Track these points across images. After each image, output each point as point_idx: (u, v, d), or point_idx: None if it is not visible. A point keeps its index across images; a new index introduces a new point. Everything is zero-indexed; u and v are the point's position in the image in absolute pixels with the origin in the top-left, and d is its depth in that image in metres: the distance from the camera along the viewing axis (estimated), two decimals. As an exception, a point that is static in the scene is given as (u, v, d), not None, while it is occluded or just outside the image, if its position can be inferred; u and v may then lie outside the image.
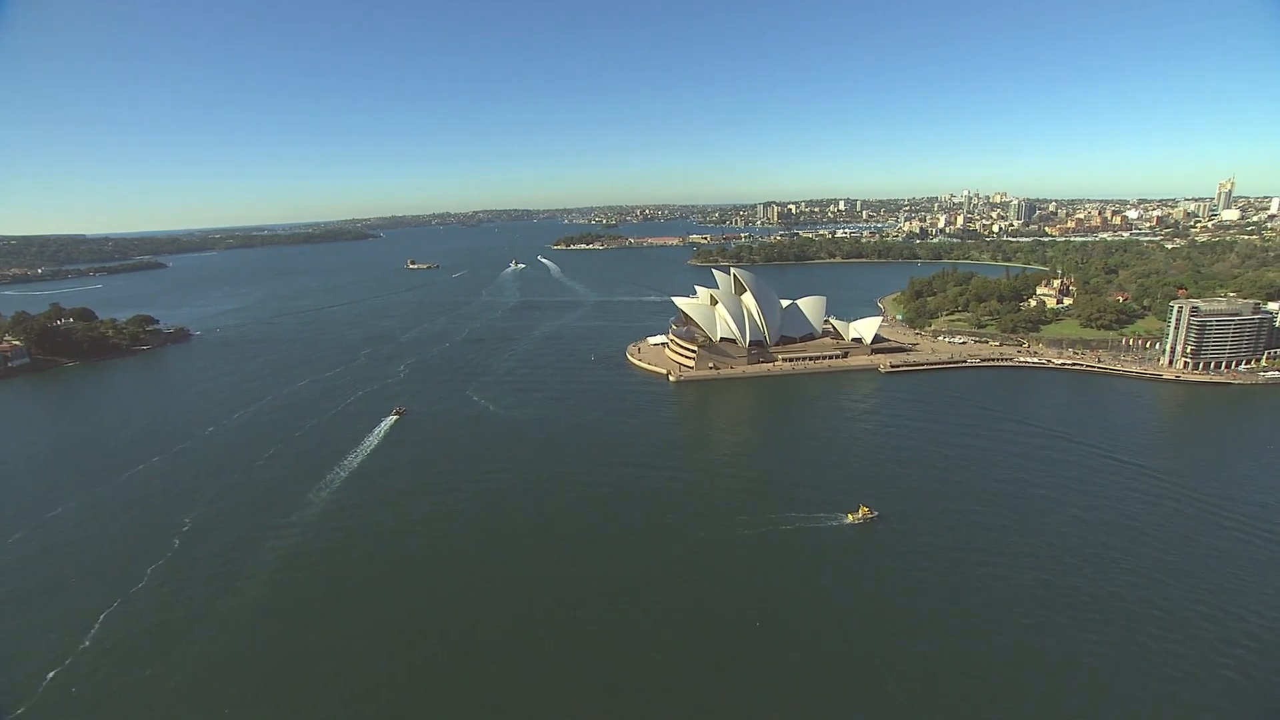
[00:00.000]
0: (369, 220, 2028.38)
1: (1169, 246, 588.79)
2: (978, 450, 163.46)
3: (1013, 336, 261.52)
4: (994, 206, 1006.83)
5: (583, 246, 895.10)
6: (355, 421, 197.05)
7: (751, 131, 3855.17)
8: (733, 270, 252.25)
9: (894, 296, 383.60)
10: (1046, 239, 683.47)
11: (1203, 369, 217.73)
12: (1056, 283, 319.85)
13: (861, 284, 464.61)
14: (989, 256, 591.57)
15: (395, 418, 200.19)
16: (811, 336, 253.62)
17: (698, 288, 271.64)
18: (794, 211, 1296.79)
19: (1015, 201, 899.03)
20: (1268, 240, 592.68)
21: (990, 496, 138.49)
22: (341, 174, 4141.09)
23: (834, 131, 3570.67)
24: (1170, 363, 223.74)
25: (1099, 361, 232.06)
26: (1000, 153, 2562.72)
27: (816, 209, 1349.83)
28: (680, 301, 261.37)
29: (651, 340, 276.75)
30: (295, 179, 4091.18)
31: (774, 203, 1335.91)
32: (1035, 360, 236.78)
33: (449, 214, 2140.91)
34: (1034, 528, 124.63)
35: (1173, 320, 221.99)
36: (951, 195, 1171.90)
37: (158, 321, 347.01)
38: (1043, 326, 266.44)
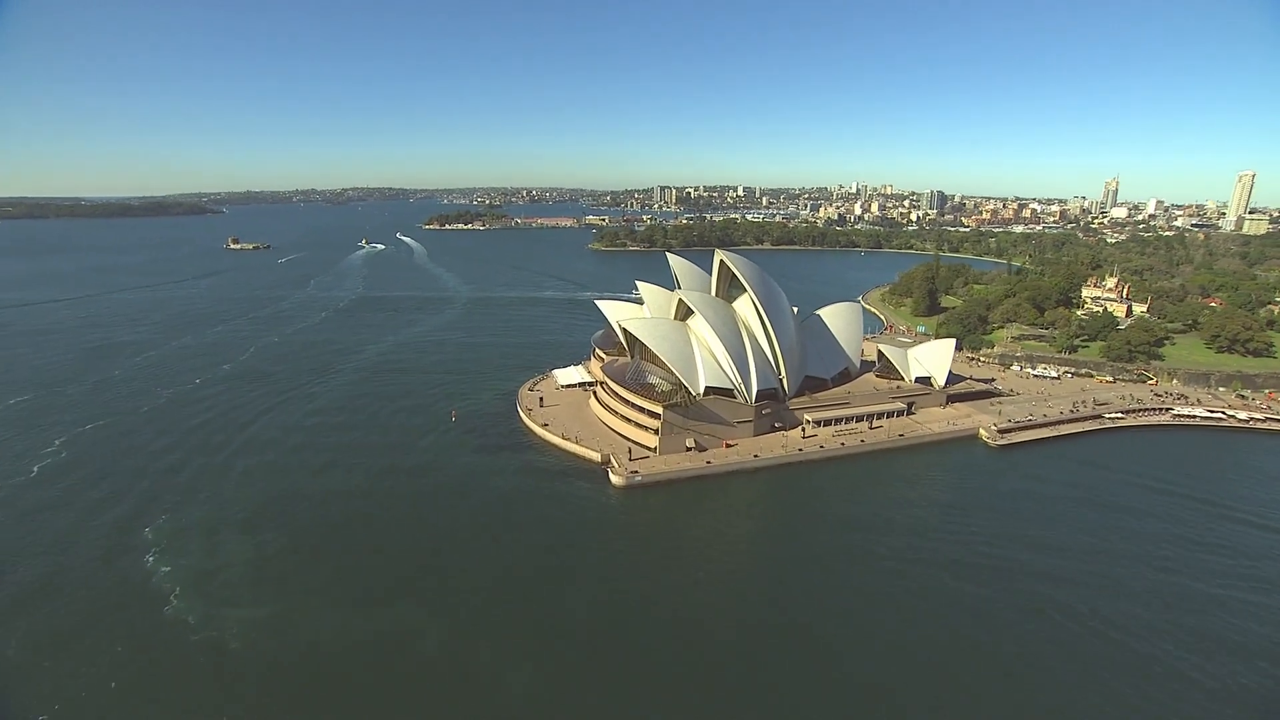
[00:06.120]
0: (216, 195, 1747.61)
1: (1111, 241, 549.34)
2: None
3: (1128, 367, 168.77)
4: (889, 198, 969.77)
5: (460, 226, 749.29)
6: None
7: (640, 118, 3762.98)
8: (720, 255, 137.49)
9: (880, 292, 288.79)
10: (985, 229, 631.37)
11: None
12: (1110, 281, 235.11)
13: (818, 275, 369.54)
14: (932, 246, 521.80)
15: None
16: (848, 375, 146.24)
17: (643, 286, 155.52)
18: (693, 195, 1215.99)
19: (928, 192, 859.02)
20: (1193, 235, 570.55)
21: None
22: (185, 144, 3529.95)
23: (721, 123, 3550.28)
24: None
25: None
26: (880, 149, 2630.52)
27: (715, 194, 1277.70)
28: (618, 315, 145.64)
29: (562, 377, 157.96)
30: (126, 146, 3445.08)
31: (670, 186, 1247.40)
32: (1204, 413, 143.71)
33: (314, 191, 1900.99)
34: None
35: None
36: (841, 186, 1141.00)
37: None
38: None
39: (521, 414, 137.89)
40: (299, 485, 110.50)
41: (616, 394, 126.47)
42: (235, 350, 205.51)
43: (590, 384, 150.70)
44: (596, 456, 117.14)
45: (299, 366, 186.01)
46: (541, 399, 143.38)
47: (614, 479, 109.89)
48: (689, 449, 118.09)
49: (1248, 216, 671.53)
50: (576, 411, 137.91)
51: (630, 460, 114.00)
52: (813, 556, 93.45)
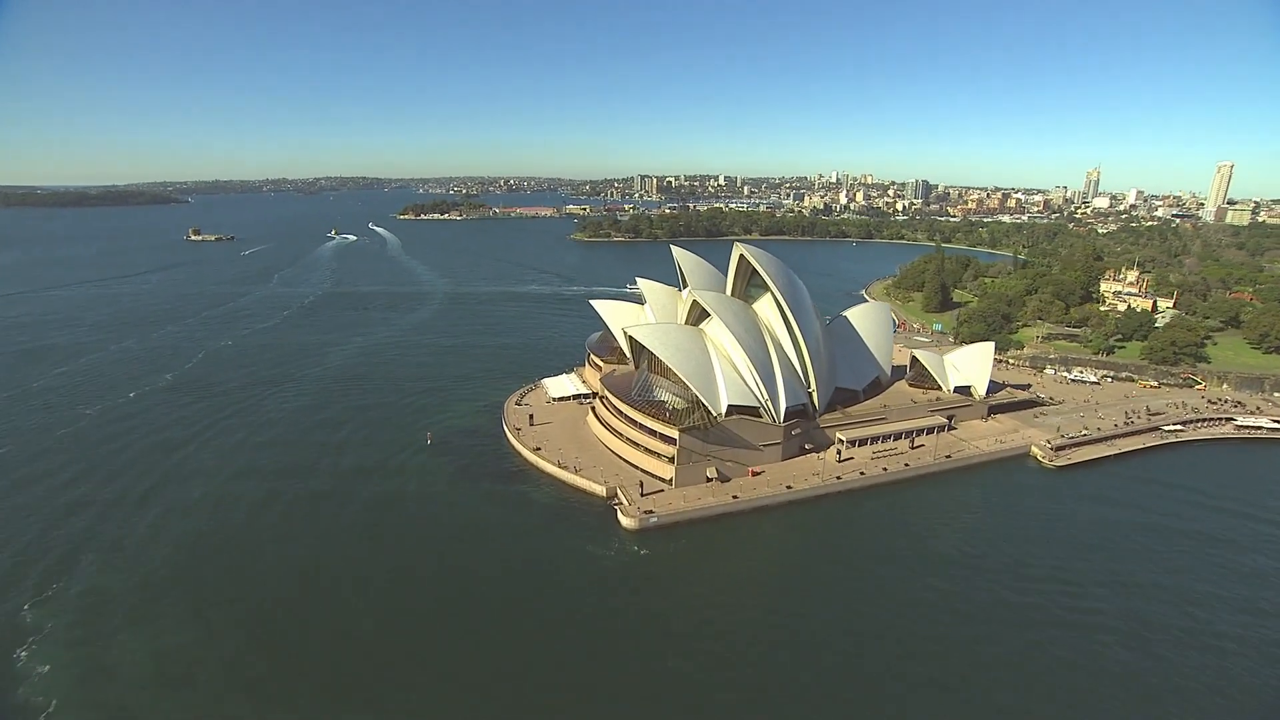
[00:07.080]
0: (182, 184, 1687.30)
1: (1102, 231, 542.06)
2: None
3: (1173, 371, 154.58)
4: (871, 187, 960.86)
5: (436, 216, 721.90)
6: None
7: (617, 107, 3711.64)
8: (739, 249, 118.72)
9: (883, 286, 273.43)
10: (974, 219, 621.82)
11: None
12: (1130, 275, 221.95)
13: (812, 266, 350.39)
14: (923, 236, 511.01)
15: None
16: (879, 385, 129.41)
17: (645, 283, 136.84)
18: (674, 185, 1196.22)
19: (913, 181, 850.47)
20: (1182, 226, 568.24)
21: None
22: (150, 131, 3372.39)
23: (699, 112, 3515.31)
24: None
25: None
26: (859, 138, 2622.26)
27: (696, 183, 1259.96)
28: (620, 319, 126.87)
29: (553, 387, 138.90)
30: (87, 133, 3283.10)
31: (650, 175, 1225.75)
32: (1270, 423, 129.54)
33: (285, 180, 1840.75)
34: None
35: None
36: (821, 175, 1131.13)
37: None
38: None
39: (509, 435, 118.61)
40: (231, 531, 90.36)
41: (621, 412, 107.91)
42: (182, 356, 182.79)
43: (586, 396, 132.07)
44: (601, 490, 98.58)
45: (252, 375, 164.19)
46: (531, 416, 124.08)
47: (624, 520, 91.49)
48: (710, 480, 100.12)
49: (1228, 207, 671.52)
50: (572, 430, 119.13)
51: (642, 496, 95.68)
52: (880, 625, 75.83)
